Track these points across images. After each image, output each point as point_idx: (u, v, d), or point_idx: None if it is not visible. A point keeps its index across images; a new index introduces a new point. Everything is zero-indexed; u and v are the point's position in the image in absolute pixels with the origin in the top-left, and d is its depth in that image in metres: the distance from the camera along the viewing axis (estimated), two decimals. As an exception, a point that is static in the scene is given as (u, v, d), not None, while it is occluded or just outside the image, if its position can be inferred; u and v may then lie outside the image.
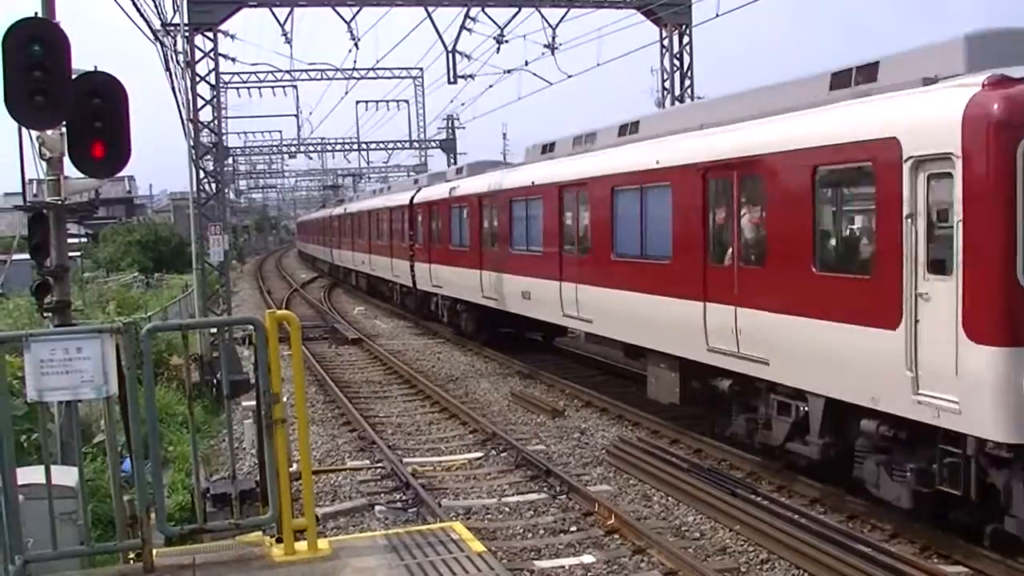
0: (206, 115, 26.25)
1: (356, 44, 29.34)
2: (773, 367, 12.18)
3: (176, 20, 23.66)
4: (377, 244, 38.68)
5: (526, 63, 29.64)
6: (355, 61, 41.32)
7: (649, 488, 13.42)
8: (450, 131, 57.91)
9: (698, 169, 13.76)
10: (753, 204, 12.87)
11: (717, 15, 22.18)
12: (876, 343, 10.23)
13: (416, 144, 62.04)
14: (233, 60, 35.20)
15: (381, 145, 62.65)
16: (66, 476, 7.37)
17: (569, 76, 28.51)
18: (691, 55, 26.88)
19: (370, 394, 21.34)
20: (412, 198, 32.16)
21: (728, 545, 11.12)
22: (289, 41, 28.51)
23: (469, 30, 28.14)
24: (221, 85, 34.40)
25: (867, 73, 11.44)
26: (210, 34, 25.55)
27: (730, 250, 13.16)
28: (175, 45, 23.60)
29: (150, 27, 21.24)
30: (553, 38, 27.37)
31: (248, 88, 53.94)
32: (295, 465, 8.28)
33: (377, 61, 44.21)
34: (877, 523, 11.26)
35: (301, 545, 6.75)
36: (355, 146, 64.03)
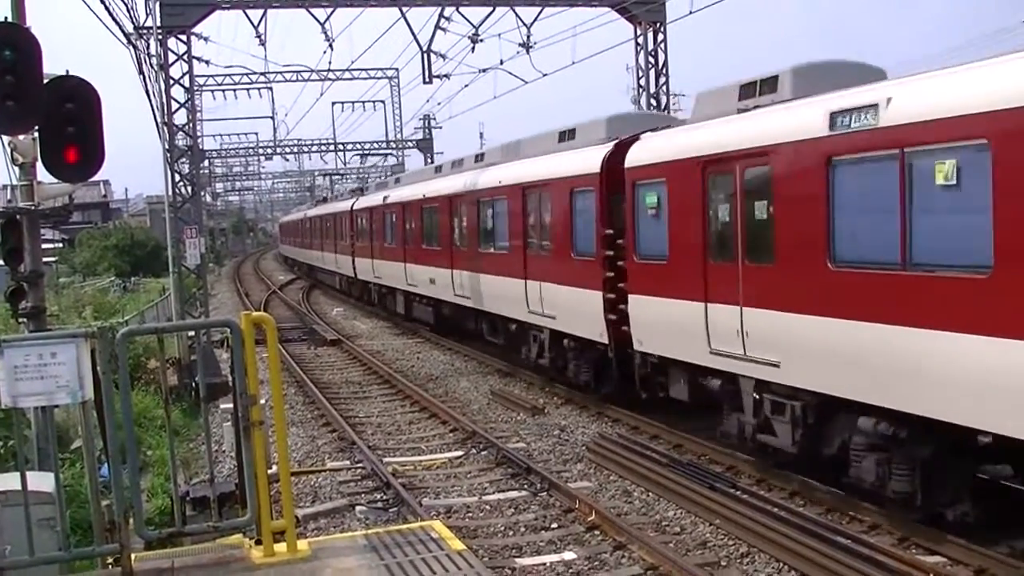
0: (181, 118, 26.19)
1: (331, 45, 29.36)
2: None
3: (148, 23, 23.59)
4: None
5: (501, 62, 29.71)
6: (330, 62, 41.33)
7: (629, 484, 13.47)
8: (426, 131, 57.91)
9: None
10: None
11: (691, 12, 22.23)
12: None
13: (393, 144, 61.97)
14: (207, 63, 35.07)
15: (358, 146, 62.57)
16: (43, 482, 7.34)
17: (544, 74, 28.63)
18: (666, 52, 27.01)
19: (350, 395, 21.31)
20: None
21: (708, 539, 11.17)
22: (263, 43, 28.45)
23: (444, 30, 28.21)
24: (195, 88, 34.34)
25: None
26: (183, 37, 25.48)
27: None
28: (148, 48, 23.56)
29: (123, 30, 21.18)
30: (528, 37, 27.48)
31: (223, 90, 53.77)
32: (274, 467, 8.28)
33: (352, 62, 44.32)
34: (856, 515, 11.34)
35: (281, 546, 6.75)
36: (332, 147, 63.91)
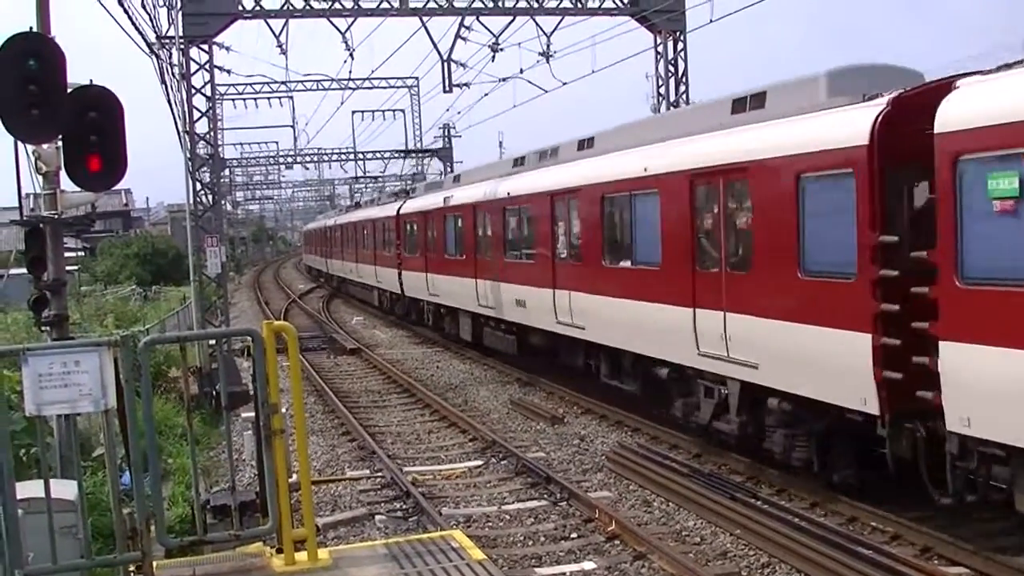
0: (202, 127, 26.28)
1: (351, 54, 29.51)
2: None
3: (171, 33, 23.72)
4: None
5: (521, 71, 29.79)
6: (351, 71, 41.25)
7: (649, 494, 13.42)
8: (446, 139, 57.97)
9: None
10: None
11: (711, 20, 22.26)
12: None
13: (412, 153, 62.09)
14: (228, 72, 35.35)
15: (377, 155, 62.73)
16: (66, 490, 7.36)
17: (564, 83, 28.60)
18: (685, 61, 26.94)
19: (369, 404, 21.33)
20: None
21: (729, 549, 11.12)
22: (284, 52, 28.64)
23: (464, 39, 28.25)
24: (217, 97, 34.43)
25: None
26: (205, 46, 25.57)
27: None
28: (170, 58, 23.68)
29: (145, 40, 21.31)
30: (548, 46, 27.50)
31: (244, 99, 54.04)
32: (294, 475, 8.29)
33: (372, 71, 44.42)
34: (878, 525, 11.27)
35: (301, 555, 6.75)
36: (351, 156, 64.07)
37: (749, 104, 13.73)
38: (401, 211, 34.14)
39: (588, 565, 10.83)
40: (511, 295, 22.20)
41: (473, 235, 25.33)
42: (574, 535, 11.93)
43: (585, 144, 19.52)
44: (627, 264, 16.72)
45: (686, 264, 14.35)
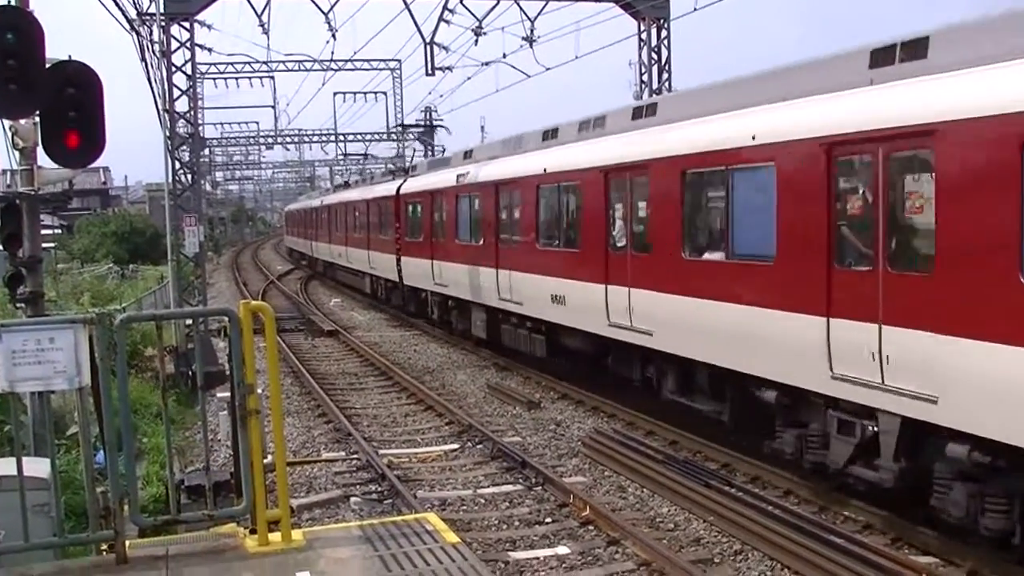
0: (182, 105, 26.14)
1: (334, 35, 29.39)
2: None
3: (152, 9, 23.54)
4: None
5: (504, 55, 29.66)
6: (333, 52, 41.24)
7: (624, 479, 13.48)
8: (427, 122, 57.72)
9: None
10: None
11: (695, 9, 22.15)
12: None
13: (394, 135, 61.88)
14: (209, 50, 34.91)
15: (359, 137, 62.48)
16: (39, 467, 7.33)
17: (547, 69, 28.52)
18: (669, 49, 26.96)
19: (346, 386, 21.31)
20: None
21: (702, 536, 11.19)
22: (266, 31, 28.50)
23: (447, 22, 28.15)
24: (197, 75, 34.27)
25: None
26: (186, 24, 25.42)
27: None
28: (151, 35, 23.48)
29: (125, 16, 21.10)
30: (531, 30, 27.44)
31: (225, 79, 53.50)
32: (270, 456, 8.27)
33: (355, 52, 44.18)
34: (850, 515, 11.36)
35: (275, 536, 6.74)
36: (333, 137, 63.79)
37: (902, 54, 10.65)
38: (402, 190, 30.81)
39: (562, 550, 10.88)
40: (544, 289, 18.77)
41: (495, 218, 21.86)
42: (548, 520, 11.98)
43: (644, 111, 16.33)
44: (719, 257, 13.38)
45: (818, 259, 11.00)
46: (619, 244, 16.10)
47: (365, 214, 36.84)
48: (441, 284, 26.11)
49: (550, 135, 20.37)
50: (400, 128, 54.41)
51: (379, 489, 13.42)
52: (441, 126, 48.50)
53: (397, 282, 31.67)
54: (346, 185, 51.01)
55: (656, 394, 15.67)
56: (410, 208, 29.87)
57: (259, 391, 6.76)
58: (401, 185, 31.31)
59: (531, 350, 20.68)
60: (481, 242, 22.63)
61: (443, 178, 26.31)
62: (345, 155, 69.07)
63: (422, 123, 53.46)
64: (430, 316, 28.64)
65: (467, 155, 26.41)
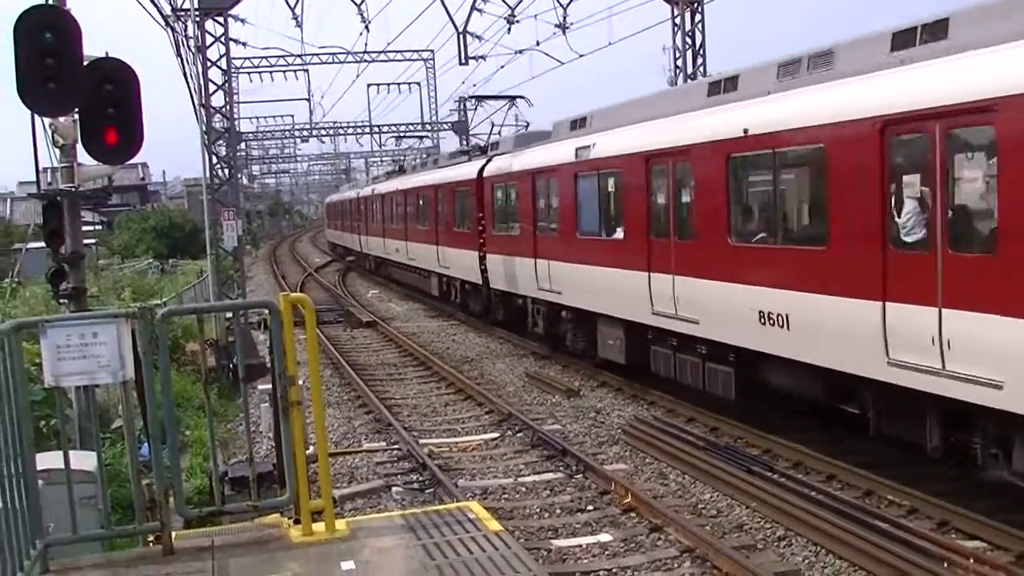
0: (218, 100, 26.28)
1: (367, 26, 29.53)
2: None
3: (186, 5, 23.68)
4: None
5: (537, 43, 29.67)
6: (366, 44, 41.21)
7: (665, 466, 13.44)
8: (462, 112, 57.73)
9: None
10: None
11: (729, -9, 21.86)
12: None
13: (428, 127, 61.95)
14: (244, 45, 35.38)
15: (393, 128, 62.58)
16: (85, 461, 7.42)
17: (581, 55, 28.48)
18: (703, 33, 26.73)
19: (385, 376, 21.39)
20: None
21: (745, 522, 11.14)
22: (300, 24, 28.66)
23: (480, 11, 28.22)
24: (232, 70, 34.40)
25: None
26: (220, 19, 25.53)
27: None
28: (186, 30, 23.63)
29: (160, 13, 21.27)
30: (564, 17, 27.41)
31: (259, 73, 53.78)
32: (312, 447, 8.31)
33: (388, 43, 44.31)
34: (894, 499, 11.25)
35: (319, 526, 6.77)
36: (367, 129, 63.96)
37: (924, 36, 9.80)
38: (487, 172, 25.02)
39: (604, 537, 10.87)
40: (744, 303, 13.15)
41: (645, 204, 16.37)
42: (590, 507, 11.97)
43: (926, 34, 10.76)
44: None
45: None
46: (911, 240, 10.45)
47: (433, 203, 31.23)
48: (551, 291, 20.55)
49: (721, 88, 14.71)
50: (474, 99, 47.80)
51: (420, 478, 13.47)
52: (521, 97, 40.32)
53: (478, 284, 26.30)
54: (401, 171, 45.26)
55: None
56: (500, 194, 24.25)
57: (300, 383, 6.79)
58: (485, 166, 25.37)
59: (711, 386, 14.81)
60: (624, 237, 17.26)
61: (553, 154, 20.59)
62: (380, 147, 69.20)
63: (446, 121, 49.78)
64: (531, 328, 23.17)
65: (578, 124, 20.62)
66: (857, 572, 9.54)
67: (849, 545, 9.85)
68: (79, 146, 9.04)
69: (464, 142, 51.39)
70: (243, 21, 33.97)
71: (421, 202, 33.44)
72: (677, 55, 26.95)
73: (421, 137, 61.85)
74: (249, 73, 52.87)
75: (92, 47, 8.62)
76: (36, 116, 8.88)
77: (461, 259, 27.50)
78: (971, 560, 9.19)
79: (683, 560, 10.09)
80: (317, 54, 49.79)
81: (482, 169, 25.45)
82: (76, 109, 8.77)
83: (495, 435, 15.73)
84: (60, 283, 9.50)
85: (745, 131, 13.16)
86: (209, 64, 25.41)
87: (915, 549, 9.45)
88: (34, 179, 9.65)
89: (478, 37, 30.33)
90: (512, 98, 34.57)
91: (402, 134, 61.65)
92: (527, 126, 33.65)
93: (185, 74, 22.93)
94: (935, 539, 9.77)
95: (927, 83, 10.15)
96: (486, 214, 25.05)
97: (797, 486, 11.68)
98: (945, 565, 9.15)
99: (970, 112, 9.53)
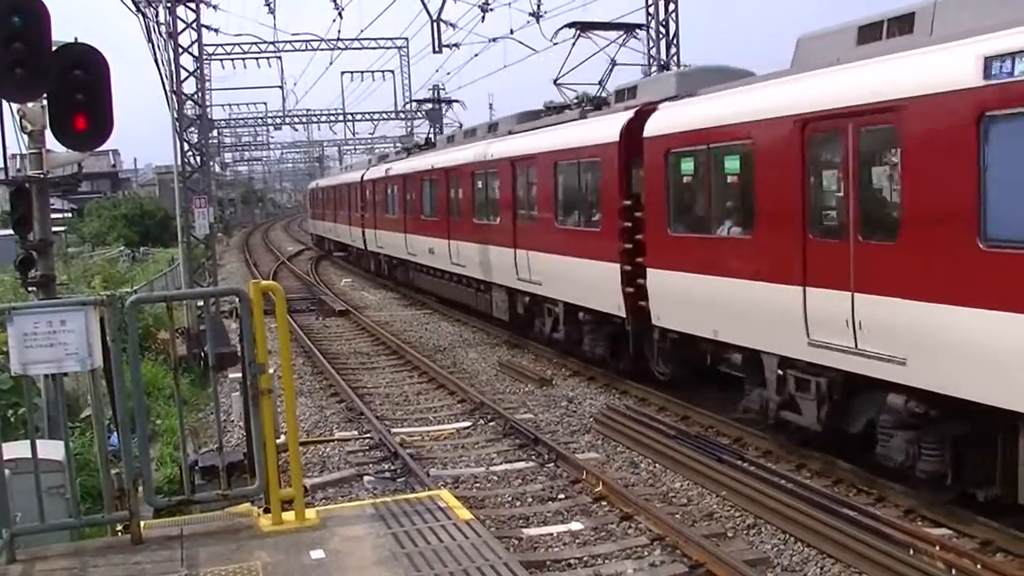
0: (190, 87, 26.16)
1: (340, 14, 29.52)
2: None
3: (157, -9, 23.50)
4: None
5: (511, 31, 29.59)
6: (339, 31, 41.09)
7: (636, 455, 13.49)
8: (437, 99, 57.54)
9: None
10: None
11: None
12: None
13: (402, 114, 61.76)
14: (216, 31, 35.08)
15: (367, 116, 62.37)
16: (53, 450, 7.38)
17: (555, 44, 28.37)
18: (677, 23, 26.77)
19: (358, 365, 21.35)
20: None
21: (715, 511, 11.20)
22: (272, 11, 28.50)
23: (454, -1, 28.05)
24: (204, 56, 34.16)
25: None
26: (192, 4, 25.37)
27: None
28: (157, 16, 23.46)
29: (131, -1, 21.10)
30: (538, 6, 27.32)
31: (232, 59, 53.41)
32: (282, 436, 8.30)
33: (361, 31, 44.13)
34: (863, 488, 11.35)
35: (289, 515, 6.78)
36: (341, 117, 63.72)
37: None
38: (649, 131, 14.99)
39: (576, 526, 10.90)
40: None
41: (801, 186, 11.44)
42: (562, 496, 12.00)
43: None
44: None
45: None
46: None
47: (509, 185, 21.42)
48: (665, 319, 14.89)
49: (888, 31, 10.97)
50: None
51: (392, 467, 13.46)
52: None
53: (615, 316, 16.56)
54: (418, 147, 35.60)
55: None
56: (687, 166, 14.33)
57: (271, 371, 6.77)
58: (636, 123, 15.49)
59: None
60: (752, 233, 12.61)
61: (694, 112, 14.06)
62: (354, 135, 68.96)
63: (429, 99, 51.93)
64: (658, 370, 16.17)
65: (630, 91, 16.98)
66: (825, 559, 9.63)
67: (817, 533, 9.93)
68: (48, 132, 8.96)
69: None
70: (215, 7, 33.71)
71: (481, 184, 23.80)
72: (651, 44, 26.98)
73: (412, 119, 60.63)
74: (221, 60, 52.49)
75: (61, 32, 8.54)
76: (4, 102, 8.79)
77: (574, 272, 17.95)
78: (937, 547, 9.29)
79: (653, 548, 10.14)
80: (290, 41, 49.68)
81: (630, 127, 15.67)
82: (44, 95, 8.68)
83: (467, 424, 15.74)
84: (28, 271, 9.42)
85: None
86: (181, 51, 25.25)
87: (882, 536, 9.54)
88: (1, 165, 9.55)
89: (452, 25, 30.29)
90: (631, 27, 23.73)
91: (376, 120, 61.36)
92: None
93: (157, 61, 22.80)
94: (902, 527, 9.87)
95: (841, 85, 10.91)
96: (652, 201, 15.16)
97: (767, 475, 11.75)
98: (911, 552, 9.24)
99: (878, 112, 10.24)
